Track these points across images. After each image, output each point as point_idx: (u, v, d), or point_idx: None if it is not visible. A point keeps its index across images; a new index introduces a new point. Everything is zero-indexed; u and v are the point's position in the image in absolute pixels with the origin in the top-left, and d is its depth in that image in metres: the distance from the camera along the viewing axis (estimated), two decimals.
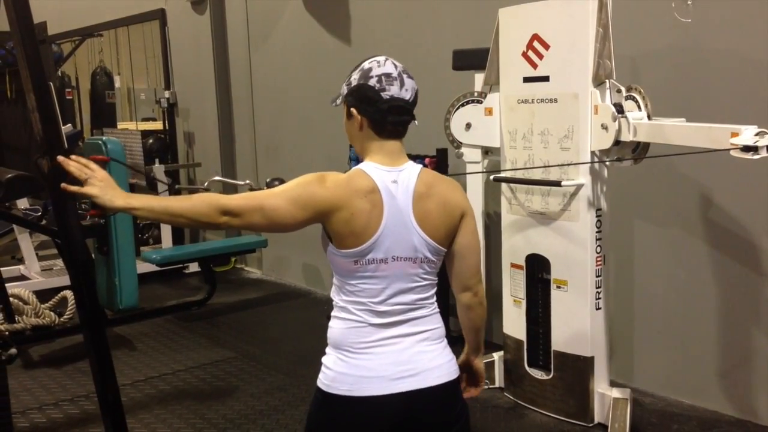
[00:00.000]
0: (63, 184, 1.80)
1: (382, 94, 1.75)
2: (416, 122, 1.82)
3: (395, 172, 1.77)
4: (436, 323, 1.86)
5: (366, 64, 1.81)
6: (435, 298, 1.88)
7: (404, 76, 1.79)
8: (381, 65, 1.78)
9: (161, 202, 1.75)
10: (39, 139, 2.42)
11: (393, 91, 1.75)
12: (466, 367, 2.06)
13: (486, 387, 3.69)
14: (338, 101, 1.84)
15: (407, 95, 1.78)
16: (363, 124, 1.79)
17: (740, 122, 2.63)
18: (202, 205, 1.69)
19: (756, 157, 2.48)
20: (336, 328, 1.82)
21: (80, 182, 1.79)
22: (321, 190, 1.71)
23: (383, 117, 1.77)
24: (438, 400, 1.81)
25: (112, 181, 1.77)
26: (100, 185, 1.74)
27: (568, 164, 3.24)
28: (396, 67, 1.79)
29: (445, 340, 1.88)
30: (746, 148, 2.50)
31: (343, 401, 1.75)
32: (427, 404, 1.79)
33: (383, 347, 1.77)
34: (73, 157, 1.80)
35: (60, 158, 1.80)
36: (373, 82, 1.76)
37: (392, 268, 1.76)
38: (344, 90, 1.82)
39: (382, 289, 1.76)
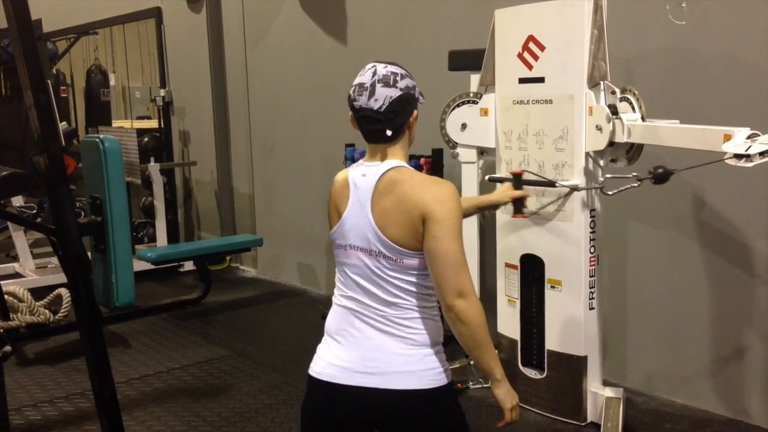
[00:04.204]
0: None
1: (354, 103, 1.84)
2: (388, 132, 1.82)
3: (370, 167, 1.86)
4: (418, 329, 1.82)
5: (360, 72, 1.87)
6: (421, 305, 1.83)
7: (378, 85, 1.80)
8: (363, 74, 1.84)
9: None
10: (36, 136, 2.43)
11: (361, 101, 1.82)
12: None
13: (479, 386, 3.73)
14: None
15: (377, 105, 1.80)
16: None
17: (734, 124, 2.63)
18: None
19: (750, 164, 2.48)
20: (330, 313, 1.94)
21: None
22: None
23: (359, 124, 1.86)
24: (400, 405, 1.79)
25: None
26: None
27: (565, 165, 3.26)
28: (374, 75, 1.81)
29: (431, 349, 1.83)
30: (738, 156, 2.49)
31: (314, 382, 1.88)
32: (388, 406, 1.79)
33: (355, 339, 1.84)
34: None
35: None
36: (351, 91, 1.84)
37: (352, 257, 1.86)
38: None
39: (350, 277, 1.87)
